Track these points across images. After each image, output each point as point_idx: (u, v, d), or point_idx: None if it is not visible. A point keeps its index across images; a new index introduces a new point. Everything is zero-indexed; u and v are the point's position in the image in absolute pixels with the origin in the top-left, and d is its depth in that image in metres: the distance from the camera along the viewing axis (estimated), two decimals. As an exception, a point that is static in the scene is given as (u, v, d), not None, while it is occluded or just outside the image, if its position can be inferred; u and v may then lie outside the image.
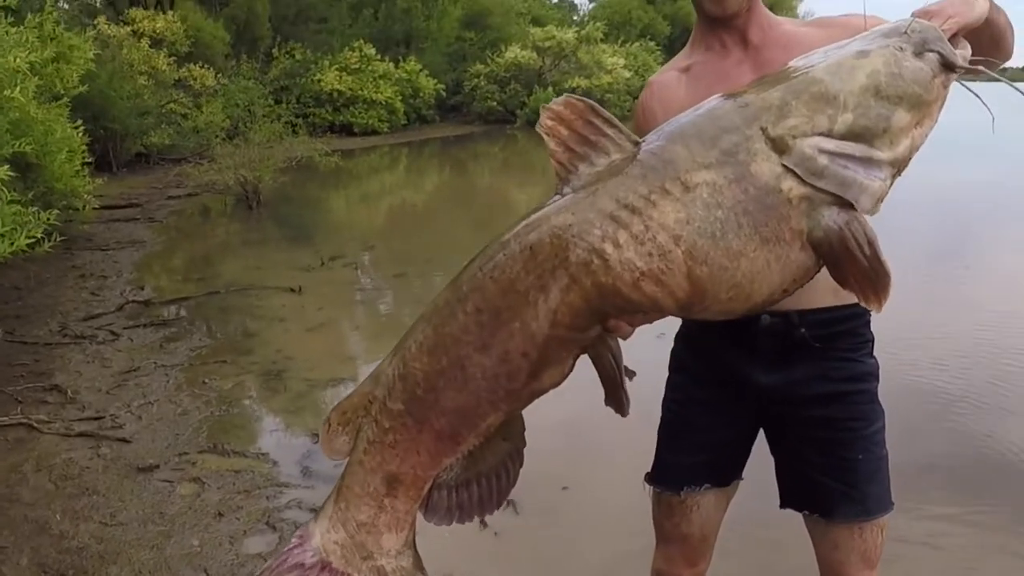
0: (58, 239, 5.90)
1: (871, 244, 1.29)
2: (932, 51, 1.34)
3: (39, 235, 5.46)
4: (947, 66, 1.35)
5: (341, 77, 23.63)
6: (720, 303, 1.32)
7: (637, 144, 1.35)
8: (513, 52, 28.47)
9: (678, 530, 2.00)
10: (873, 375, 1.86)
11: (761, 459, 1.99)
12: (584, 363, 1.43)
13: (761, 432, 1.97)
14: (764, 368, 1.82)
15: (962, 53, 1.37)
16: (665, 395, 2.03)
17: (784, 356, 1.81)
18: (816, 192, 1.29)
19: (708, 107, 1.37)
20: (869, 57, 1.33)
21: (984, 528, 3.37)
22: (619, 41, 34.17)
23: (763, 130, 1.30)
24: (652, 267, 1.28)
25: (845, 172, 1.29)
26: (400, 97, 24.86)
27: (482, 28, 31.05)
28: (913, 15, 1.41)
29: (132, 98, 14.94)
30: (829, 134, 1.30)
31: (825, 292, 1.71)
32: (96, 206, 9.42)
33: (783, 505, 1.95)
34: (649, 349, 2.17)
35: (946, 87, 1.36)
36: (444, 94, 27.36)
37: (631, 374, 1.44)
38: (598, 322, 1.35)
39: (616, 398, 1.43)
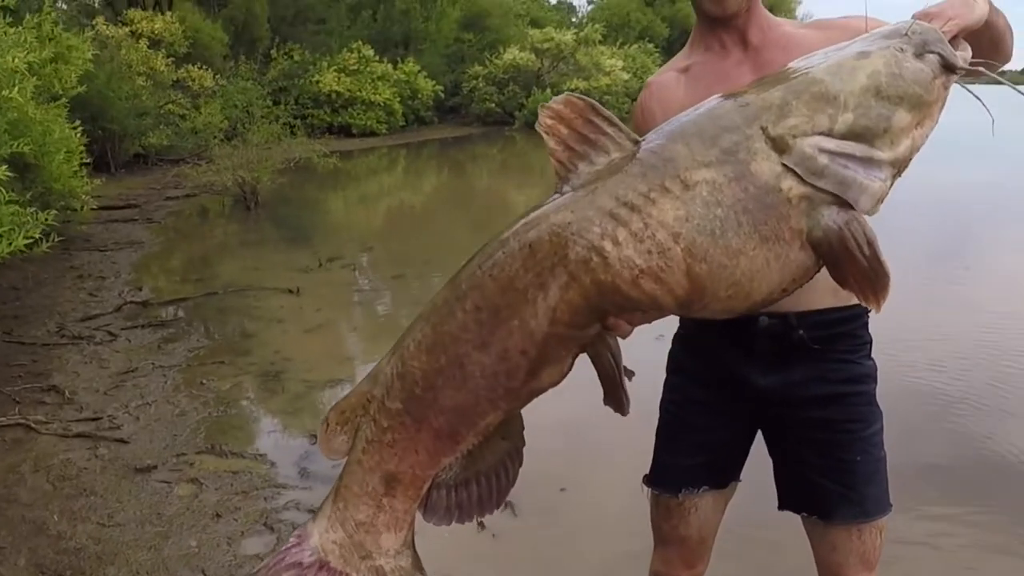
0: (56, 239, 5.89)
1: (871, 244, 1.29)
2: (933, 52, 1.34)
3: (37, 235, 5.45)
4: (947, 67, 1.35)
5: (339, 78, 23.63)
6: (719, 301, 1.32)
7: (637, 143, 1.35)
8: (511, 54, 28.47)
9: (676, 532, 2.00)
10: (871, 377, 1.86)
11: (759, 461, 1.98)
12: (583, 363, 1.43)
13: (759, 433, 1.97)
14: (762, 370, 1.82)
15: (962, 55, 1.38)
16: (663, 397, 2.03)
17: (782, 358, 1.80)
18: (816, 192, 1.29)
19: (708, 106, 1.37)
20: (870, 58, 1.33)
21: (983, 529, 3.38)
22: (617, 43, 34.17)
23: (763, 129, 1.30)
24: (651, 264, 1.28)
25: (845, 172, 1.29)
26: (398, 98, 24.85)
27: (481, 30, 31.05)
28: (913, 17, 1.41)
29: (130, 99, 14.94)
30: (829, 134, 1.30)
31: (823, 293, 1.71)
32: (94, 207, 9.40)
33: (781, 507, 1.95)
34: (648, 350, 2.17)
35: (946, 88, 1.36)
36: (442, 95, 27.35)
37: (630, 374, 1.44)
38: (597, 320, 1.35)
39: (615, 397, 1.43)
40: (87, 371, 5.27)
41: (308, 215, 11.91)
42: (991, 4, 1.50)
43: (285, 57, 23.94)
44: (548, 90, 26.42)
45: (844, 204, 1.29)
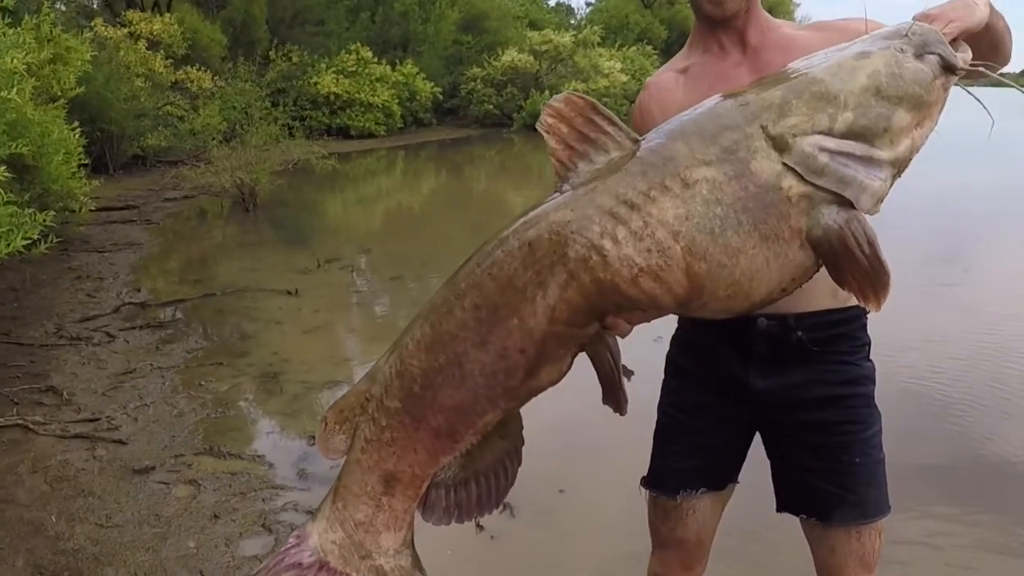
0: (54, 241, 5.89)
1: (871, 243, 1.29)
2: (933, 53, 1.34)
3: (35, 236, 5.46)
4: (948, 68, 1.35)
5: (338, 80, 23.65)
6: (719, 300, 1.32)
7: (637, 141, 1.35)
8: (510, 56, 28.49)
9: (674, 534, 2.00)
10: (870, 378, 1.85)
11: (757, 462, 1.98)
12: (582, 365, 1.43)
13: (757, 435, 1.97)
14: (760, 372, 1.82)
15: (962, 56, 1.38)
16: (661, 399, 2.03)
17: (781, 359, 1.80)
18: (816, 190, 1.29)
19: (708, 105, 1.37)
20: (870, 58, 1.33)
21: (983, 529, 3.37)
22: (616, 45, 34.22)
23: (763, 128, 1.29)
24: (651, 263, 1.27)
25: (845, 170, 1.28)
26: (397, 100, 24.87)
27: (479, 32, 31.08)
28: (914, 18, 1.41)
29: (129, 100, 14.95)
30: (830, 133, 1.29)
31: (822, 295, 1.71)
32: (93, 208, 9.41)
33: (780, 509, 1.95)
34: (647, 352, 2.18)
35: (946, 89, 1.37)
36: (441, 97, 27.38)
37: (629, 373, 1.44)
38: (596, 319, 1.35)
39: (614, 397, 1.43)
40: (85, 372, 5.26)
41: (306, 217, 11.92)
42: (991, 7, 1.50)
43: (284, 59, 23.94)
44: (546, 92, 26.41)
45: (844, 203, 1.29)
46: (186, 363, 5.47)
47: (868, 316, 1.80)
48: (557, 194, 1.35)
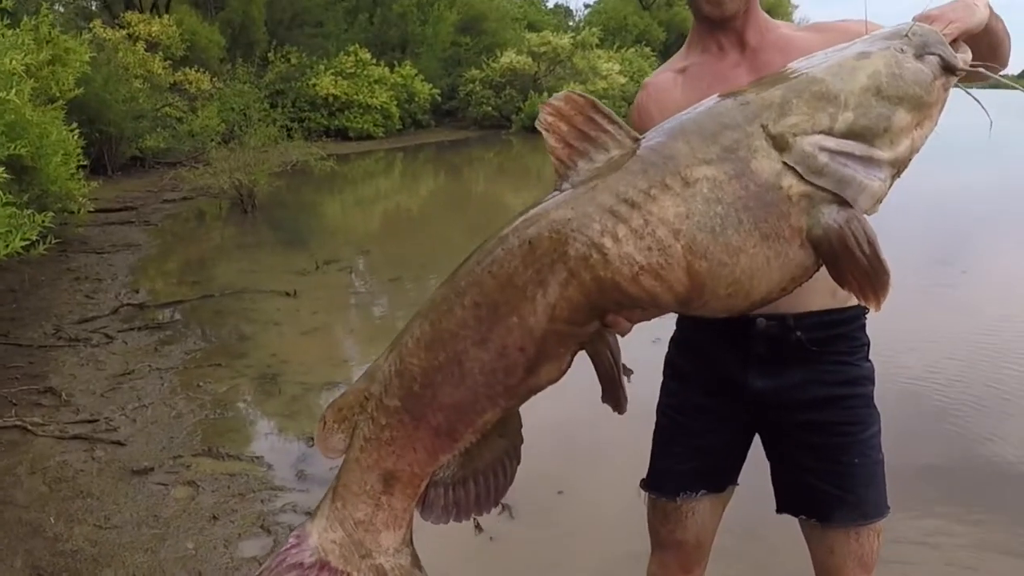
0: (53, 242, 5.88)
1: (871, 243, 1.29)
2: (933, 54, 1.34)
3: (34, 237, 5.46)
4: (948, 69, 1.35)
5: (336, 82, 23.64)
6: (719, 299, 1.32)
7: (637, 140, 1.35)
8: (508, 57, 28.50)
9: (673, 536, 2.00)
10: (869, 379, 1.85)
11: (757, 464, 1.98)
12: (582, 365, 1.43)
13: (757, 437, 1.97)
14: (759, 372, 1.82)
15: (963, 57, 1.38)
16: (659, 400, 2.02)
17: (780, 360, 1.80)
18: (816, 190, 1.29)
19: (709, 104, 1.36)
20: (870, 58, 1.33)
21: (982, 529, 3.38)
22: (614, 47, 34.23)
23: (764, 127, 1.29)
24: (651, 261, 1.27)
25: (845, 170, 1.28)
26: (395, 102, 24.87)
27: (478, 33, 31.08)
28: (914, 19, 1.41)
29: (127, 101, 14.94)
30: (830, 132, 1.29)
31: (821, 295, 1.71)
32: (91, 209, 9.41)
33: (779, 510, 1.94)
34: (646, 352, 2.18)
35: (946, 90, 1.37)
36: (439, 99, 27.38)
37: (628, 372, 1.44)
38: (596, 318, 1.35)
39: (613, 395, 1.43)
40: (84, 373, 5.26)
41: (305, 218, 11.92)
42: (991, 9, 1.50)
43: (282, 60, 23.93)
44: (545, 94, 26.42)
45: (844, 203, 1.29)
46: (184, 364, 5.47)
47: (867, 316, 1.81)
48: (557, 192, 1.35)
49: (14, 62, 5.93)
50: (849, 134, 1.30)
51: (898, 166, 1.34)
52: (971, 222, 10.71)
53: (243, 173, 11.65)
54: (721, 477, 1.98)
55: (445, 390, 1.39)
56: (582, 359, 1.42)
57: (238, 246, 10.00)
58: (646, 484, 2.01)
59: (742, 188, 1.28)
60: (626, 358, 1.44)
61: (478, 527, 3.36)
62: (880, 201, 1.32)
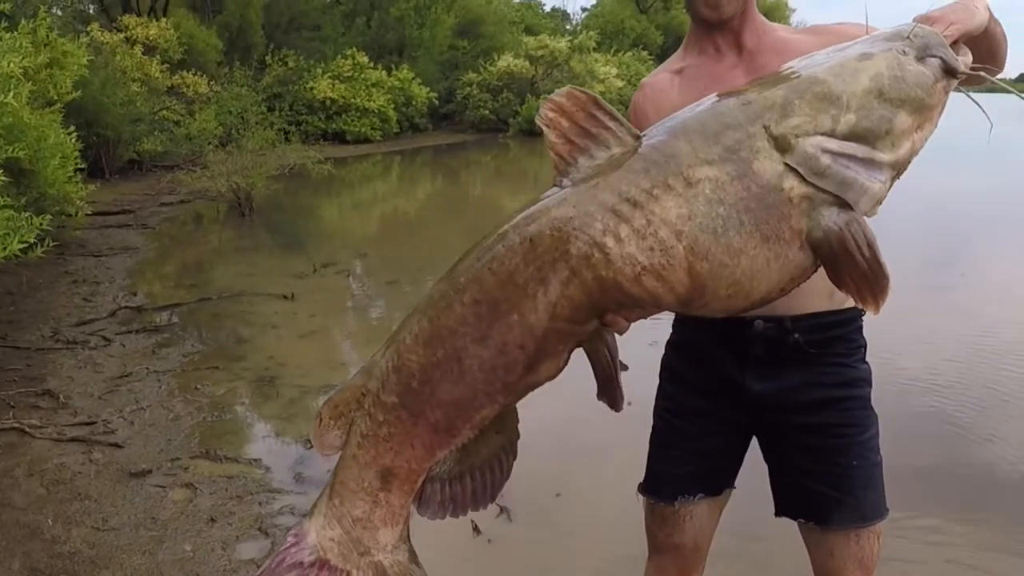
0: (51, 244, 5.87)
1: (871, 245, 1.29)
2: (934, 56, 1.34)
3: (32, 240, 5.45)
4: (949, 71, 1.35)
5: (334, 85, 23.60)
6: (719, 300, 1.31)
7: (638, 138, 1.34)
8: (506, 61, 28.47)
9: (671, 540, 2.00)
10: (866, 381, 1.85)
11: (755, 466, 1.98)
12: (581, 365, 1.43)
13: (754, 440, 1.97)
14: (756, 375, 1.82)
15: (963, 59, 1.38)
16: (656, 404, 2.02)
17: (777, 362, 1.80)
18: (817, 192, 1.28)
19: (710, 104, 1.36)
20: (872, 60, 1.33)
21: (982, 530, 3.38)
22: (612, 50, 34.25)
23: (766, 128, 1.29)
24: (653, 262, 1.27)
25: (847, 172, 1.28)
26: (393, 105, 24.82)
27: (475, 37, 31.06)
28: (915, 20, 1.41)
29: (125, 105, 14.90)
30: (832, 134, 1.29)
31: (819, 296, 1.71)
32: (89, 212, 9.38)
33: (778, 513, 1.94)
34: (643, 353, 2.18)
35: (947, 92, 1.37)
36: (437, 102, 27.33)
37: (623, 367, 1.44)
38: (597, 316, 1.34)
39: (610, 393, 1.43)
40: (82, 376, 5.25)
41: (302, 221, 11.90)
42: (991, 12, 1.50)
43: (280, 64, 23.88)
44: (542, 97, 26.38)
45: (844, 205, 1.29)
46: (182, 367, 5.46)
47: (865, 318, 1.81)
48: (557, 189, 1.34)
49: (12, 65, 5.93)
50: (851, 136, 1.30)
51: (898, 168, 1.34)
52: (970, 225, 10.73)
53: (240, 176, 11.63)
54: (719, 480, 1.98)
55: (443, 386, 1.38)
56: (581, 360, 1.42)
57: (235, 249, 9.99)
58: (644, 488, 2.01)
59: (744, 189, 1.27)
60: (623, 360, 1.44)
61: (476, 529, 3.37)
62: (879, 203, 1.32)
